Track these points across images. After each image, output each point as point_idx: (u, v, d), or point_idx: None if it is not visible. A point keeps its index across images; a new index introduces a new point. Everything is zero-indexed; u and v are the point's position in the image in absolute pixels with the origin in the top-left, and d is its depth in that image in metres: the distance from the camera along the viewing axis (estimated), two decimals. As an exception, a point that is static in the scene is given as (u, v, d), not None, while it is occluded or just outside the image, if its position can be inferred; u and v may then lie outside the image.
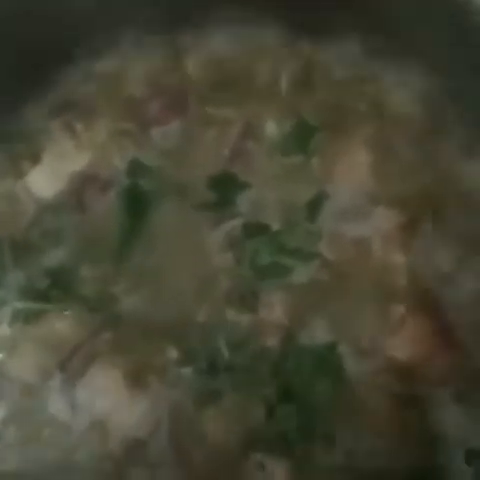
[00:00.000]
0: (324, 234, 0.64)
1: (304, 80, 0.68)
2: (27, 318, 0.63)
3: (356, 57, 0.68)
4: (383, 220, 0.64)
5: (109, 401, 0.59)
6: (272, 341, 0.60)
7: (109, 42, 0.70)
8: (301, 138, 0.67)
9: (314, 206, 0.65)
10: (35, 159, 0.69)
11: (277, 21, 0.68)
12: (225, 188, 0.66)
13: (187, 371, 0.59)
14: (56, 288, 0.64)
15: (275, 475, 0.55)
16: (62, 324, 0.63)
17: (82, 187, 0.68)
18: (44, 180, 0.69)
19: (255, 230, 0.65)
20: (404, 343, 0.59)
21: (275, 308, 0.61)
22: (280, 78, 0.69)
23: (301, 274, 0.63)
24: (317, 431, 0.57)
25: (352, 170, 0.66)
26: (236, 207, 0.66)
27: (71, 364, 0.61)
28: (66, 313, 0.62)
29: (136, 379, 0.60)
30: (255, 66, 0.69)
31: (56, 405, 0.60)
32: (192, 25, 0.69)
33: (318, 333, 0.60)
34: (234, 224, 0.65)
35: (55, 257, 0.65)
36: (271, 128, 0.68)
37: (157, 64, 0.71)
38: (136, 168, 0.68)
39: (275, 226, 0.65)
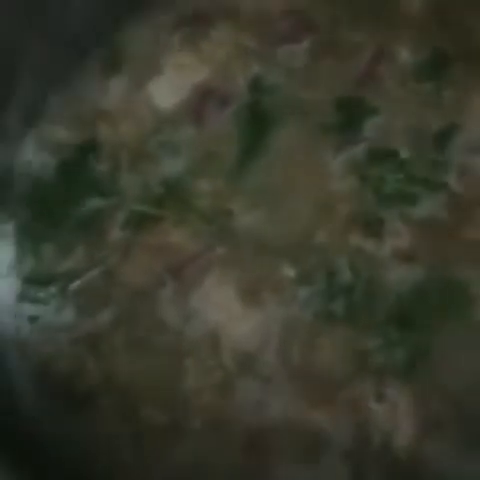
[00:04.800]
0: (453, 166, 0.61)
1: (444, 7, 0.65)
2: (141, 223, 0.62)
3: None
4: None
5: (222, 314, 0.58)
6: (397, 270, 0.57)
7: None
8: (436, 66, 0.63)
9: (444, 136, 0.62)
10: (157, 70, 0.68)
11: None
12: (352, 111, 0.64)
13: (305, 291, 0.58)
14: (171, 198, 0.63)
15: (399, 406, 0.53)
16: (176, 233, 0.61)
17: (202, 100, 0.66)
18: (165, 91, 0.67)
19: (381, 156, 0.62)
20: None
21: (402, 237, 0.58)
22: (417, 4, 0.66)
23: (428, 205, 0.60)
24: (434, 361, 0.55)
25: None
26: (362, 131, 0.63)
27: (184, 274, 0.60)
28: (181, 223, 0.62)
29: (250, 294, 0.58)
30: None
31: (167, 312, 0.59)
32: None
33: (447, 266, 0.57)
34: (359, 148, 0.62)
35: (172, 168, 0.64)
36: (405, 54, 0.64)
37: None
38: (259, 84, 0.66)
39: (402, 153, 0.62)
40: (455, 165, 0.61)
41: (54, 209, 0.63)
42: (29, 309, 0.60)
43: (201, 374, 0.56)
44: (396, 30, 0.65)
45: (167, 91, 0.67)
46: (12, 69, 0.63)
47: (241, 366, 0.56)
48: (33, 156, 0.65)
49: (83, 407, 0.58)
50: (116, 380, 0.58)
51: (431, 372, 0.54)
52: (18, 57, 0.62)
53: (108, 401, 0.58)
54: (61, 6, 0.66)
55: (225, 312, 0.58)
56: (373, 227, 0.59)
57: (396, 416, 0.53)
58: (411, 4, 0.66)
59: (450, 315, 0.56)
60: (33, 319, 0.60)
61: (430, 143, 0.62)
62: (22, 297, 0.61)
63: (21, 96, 0.63)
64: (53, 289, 0.61)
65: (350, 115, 0.63)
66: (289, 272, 0.59)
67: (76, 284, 0.61)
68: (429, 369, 0.54)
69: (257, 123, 0.65)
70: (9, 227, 0.63)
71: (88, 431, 0.58)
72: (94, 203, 0.63)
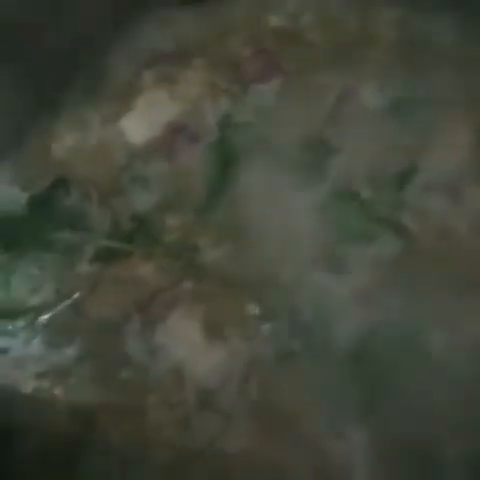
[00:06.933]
0: (410, 206, 0.63)
1: (408, 51, 0.68)
2: (110, 258, 0.63)
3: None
4: (475, 201, 0.63)
5: (186, 349, 0.59)
6: (355, 308, 0.59)
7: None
8: (399, 109, 0.66)
9: (404, 177, 0.64)
10: (129, 106, 0.69)
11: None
12: (317, 151, 0.66)
13: (267, 328, 0.60)
14: (141, 232, 0.64)
15: (355, 445, 0.55)
16: (144, 268, 0.63)
17: (173, 137, 0.68)
18: (136, 127, 0.69)
19: (343, 195, 0.64)
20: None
21: (361, 275, 0.60)
22: (383, 46, 0.68)
23: (387, 244, 0.62)
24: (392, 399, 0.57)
25: (449, 148, 0.65)
26: (326, 171, 0.65)
27: (150, 308, 0.61)
28: (148, 258, 0.63)
29: (214, 330, 0.60)
30: (360, 31, 0.68)
31: (133, 346, 0.60)
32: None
33: (402, 305, 0.59)
34: (323, 188, 0.65)
35: (142, 203, 0.65)
36: (369, 96, 0.67)
37: (259, 25, 0.71)
38: (228, 122, 0.68)
39: (364, 193, 0.64)
40: (412, 205, 0.63)
41: (24, 242, 0.65)
42: (-2, 341, 0.62)
43: (164, 409, 0.58)
44: (361, 72, 0.68)
45: (139, 127, 0.69)
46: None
47: (202, 401, 0.58)
48: (5, 191, 0.66)
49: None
50: (82, 412, 0.59)
51: (386, 410, 0.56)
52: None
53: (74, 433, 0.59)
54: (37, 41, 0.68)
55: (189, 347, 0.59)
56: (334, 265, 0.61)
57: (352, 452, 0.55)
58: (378, 48, 0.68)
59: (405, 357, 0.57)
60: (3, 351, 0.62)
61: (390, 184, 0.64)
62: (-9, 329, 0.63)
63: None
64: (22, 322, 0.62)
65: (315, 155, 0.65)
66: (253, 308, 0.61)
67: (45, 317, 0.62)
68: (384, 407, 0.56)
69: (225, 160, 0.67)
70: (-21, 260, 0.65)
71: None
72: (64, 237, 0.65)
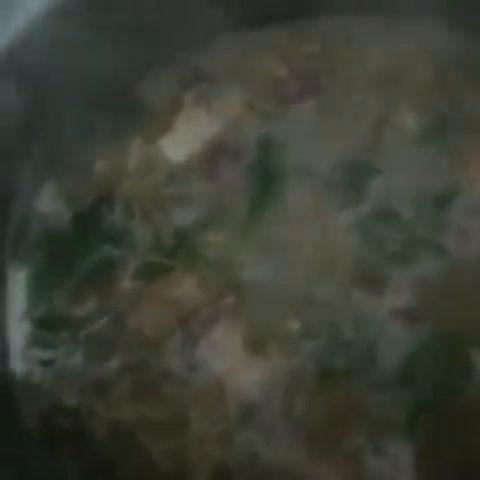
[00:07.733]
0: (452, 228, 0.64)
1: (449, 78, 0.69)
2: (152, 273, 0.64)
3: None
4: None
5: (228, 363, 0.60)
6: (395, 328, 0.60)
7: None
8: (439, 132, 0.67)
9: (445, 199, 0.65)
10: (169, 126, 0.71)
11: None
12: (356, 172, 0.67)
13: (308, 344, 0.60)
14: (183, 248, 0.65)
15: (399, 463, 0.55)
16: (186, 284, 0.64)
17: (213, 155, 0.70)
18: (176, 145, 0.70)
19: (384, 216, 0.65)
20: None
21: (402, 296, 0.61)
22: (423, 72, 0.70)
23: (428, 266, 0.62)
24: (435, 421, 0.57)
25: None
26: (366, 192, 0.66)
27: (192, 324, 0.62)
28: (190, 272, 0.64)
29: (256, 345, 0.60)
30: (401, 59, 0.70)
31: (174, 361, 0.61)
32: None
33: (442, 324, 0.60)
34: (363, 208, 0.66)
35: (183, 219, 0.66)
36: (408, 119, 0.68)
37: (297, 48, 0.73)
38: (267, 143, 0.69)
39: (404, 214, 0.65)
40: (454, 227, 0.64)
41: (67, 258, 0.65)
42: (41, 354, 0.62)
43: (205, 424, 0.58)
44: (399, 96, 0.69)
45: (179, 145, 0.70)
46: (29, 125, 0.65)
47: (244, 416, 0.58)
48: (49, 207, 0.67)
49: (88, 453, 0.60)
50: (122, 426, 0.60)
51: (434, 430, 0.56)
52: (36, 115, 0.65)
53: (114, 447, 0.60)
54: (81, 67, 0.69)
55: (231, 362, 0.60)
56: (375, 285, 0.62)
57: (397, 472, 0.55)
58: (414, 73, 0.70)
59: (451, 375, 0.58)
60: (47, 363, 0.62)
61: (431, 205, 0.65)
62: (34, 342, 0.63)
63: (38, 153, 0.66)
64: (64, 334, 0.63)
65: (355, 176, 0.66)
66: (294, 324, 0.61)
67: (86, 331, 0.63)
68: (432, 427, 0.56)
69: (266, 179, 0.68)
70: (23, 274, 0.66)
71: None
72: (106, 252, 0.66)
